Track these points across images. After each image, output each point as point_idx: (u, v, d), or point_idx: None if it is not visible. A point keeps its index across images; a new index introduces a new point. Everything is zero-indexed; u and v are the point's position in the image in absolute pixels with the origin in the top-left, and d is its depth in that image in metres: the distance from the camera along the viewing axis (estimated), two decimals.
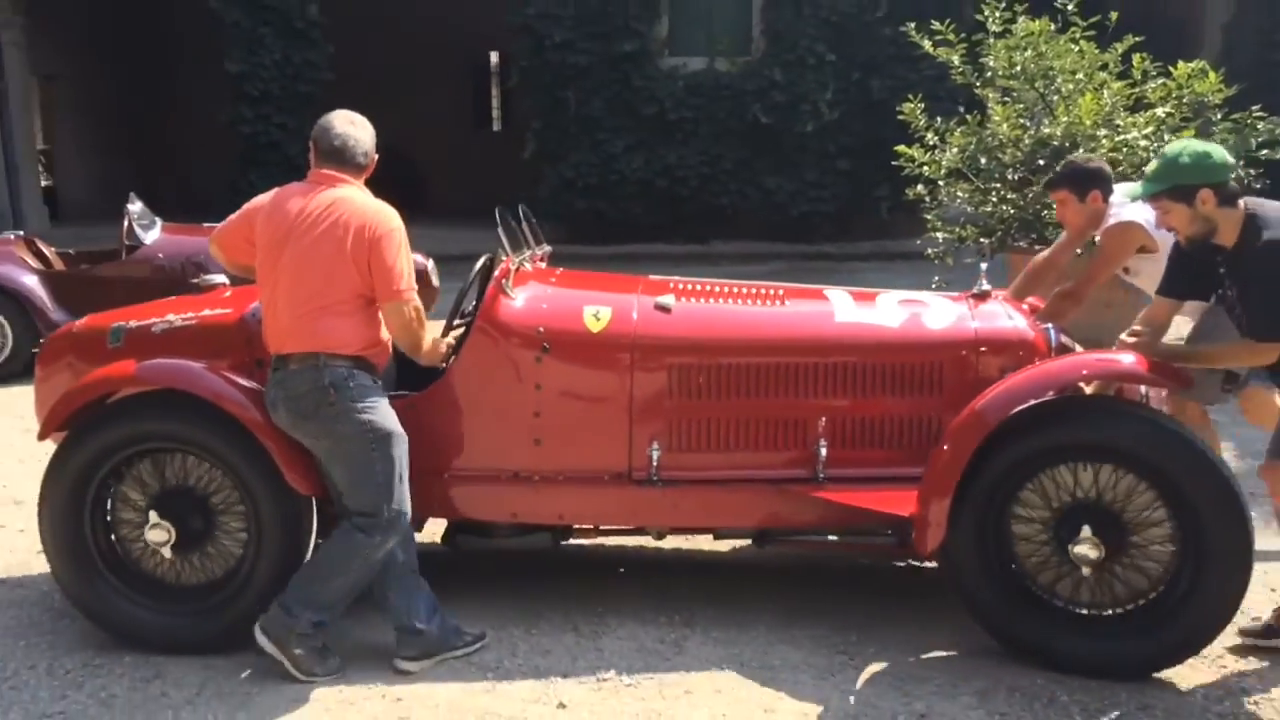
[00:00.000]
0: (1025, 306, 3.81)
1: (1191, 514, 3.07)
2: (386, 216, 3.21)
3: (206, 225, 8.44)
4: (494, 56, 20.24)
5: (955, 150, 6.98)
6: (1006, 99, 6.94)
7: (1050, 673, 3.13)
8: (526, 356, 3.49)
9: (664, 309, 3.59)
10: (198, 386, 3.28)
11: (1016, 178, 6.79)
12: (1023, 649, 3.22)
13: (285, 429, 3.20)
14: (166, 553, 3.33)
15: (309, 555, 3.33)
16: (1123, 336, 3.35)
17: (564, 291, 3.78)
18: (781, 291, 3.80)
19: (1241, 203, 3.10)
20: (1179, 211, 3.13)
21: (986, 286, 3.69)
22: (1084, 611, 3.23)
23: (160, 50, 18.27)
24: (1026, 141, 6.69)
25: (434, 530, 3.73)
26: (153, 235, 7.36)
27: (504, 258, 3.59)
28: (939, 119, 7.14)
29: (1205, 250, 3.18)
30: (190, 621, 3.36)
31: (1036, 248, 7.26)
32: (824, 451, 3.45)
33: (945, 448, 3.16)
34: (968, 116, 7.10)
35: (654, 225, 14.10)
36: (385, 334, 3.27)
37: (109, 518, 3.43)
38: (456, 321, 3.70)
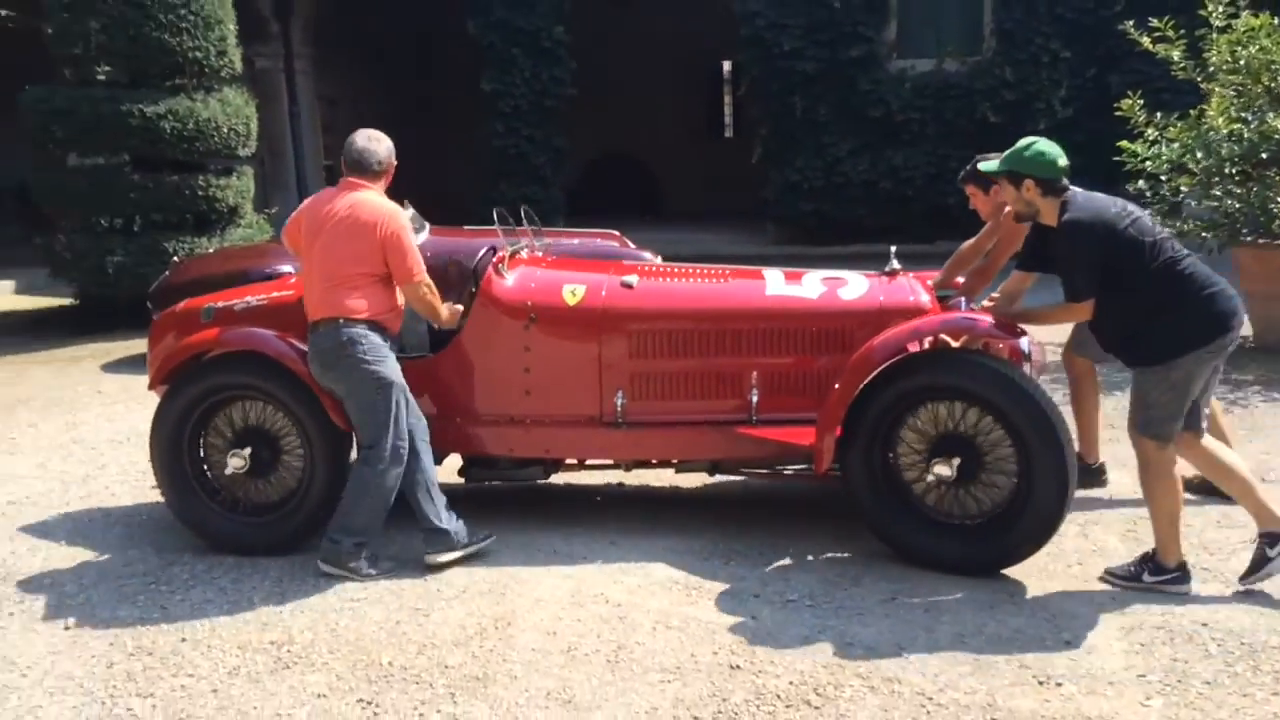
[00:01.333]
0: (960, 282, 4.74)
1: (1022, 442, 3.77)
2: (396, 215, 4.06)
3: (466, 229, 9.51)
4: (727, 65, 20.97)
5: (1175, 145, 7.00)
6: (1229, 93, 6.90)
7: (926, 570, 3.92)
8: (517, 325, 4.37)
9: (628, 286, 4.43)
10: (267, 348, 4.24)
11: (1235, 172, 6.75)
12: (901, 550, 3.99)
13: (317, 377, 4.09)
14: (243, 477, 4.30)
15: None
16: (984, 302, 4.14)
17: (549, 273, 4.61)
18: (726, 271, 4.65)
19: (1066, 194, 3.71)
20: (1009, 192, 3.83)
21: (897, 266, 4.42)
22: (951, 521, 3.96)
23: (425, 74, 20.05)
24: (1247, 136, 6.65)
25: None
26: (422, 236, 8.37)
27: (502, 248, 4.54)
28: (1159, 114, 7.17)
29: (1043, 232, 3.79)
30: (260, 530, 4.33)
31: (1261, 241, 7.18)
32: (756, 399, 4.24)
33: (836, 387, 3.96)
34: (1190, 111, 7.10)
35: (879, 227, 14.29)
36: (394, 304, 4.10)
37: (201, 450, 4.41)
38: (471, 291, 4.50)
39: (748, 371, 4.27)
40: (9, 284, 12.30)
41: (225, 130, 9.63)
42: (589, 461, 4.61)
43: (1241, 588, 3.67)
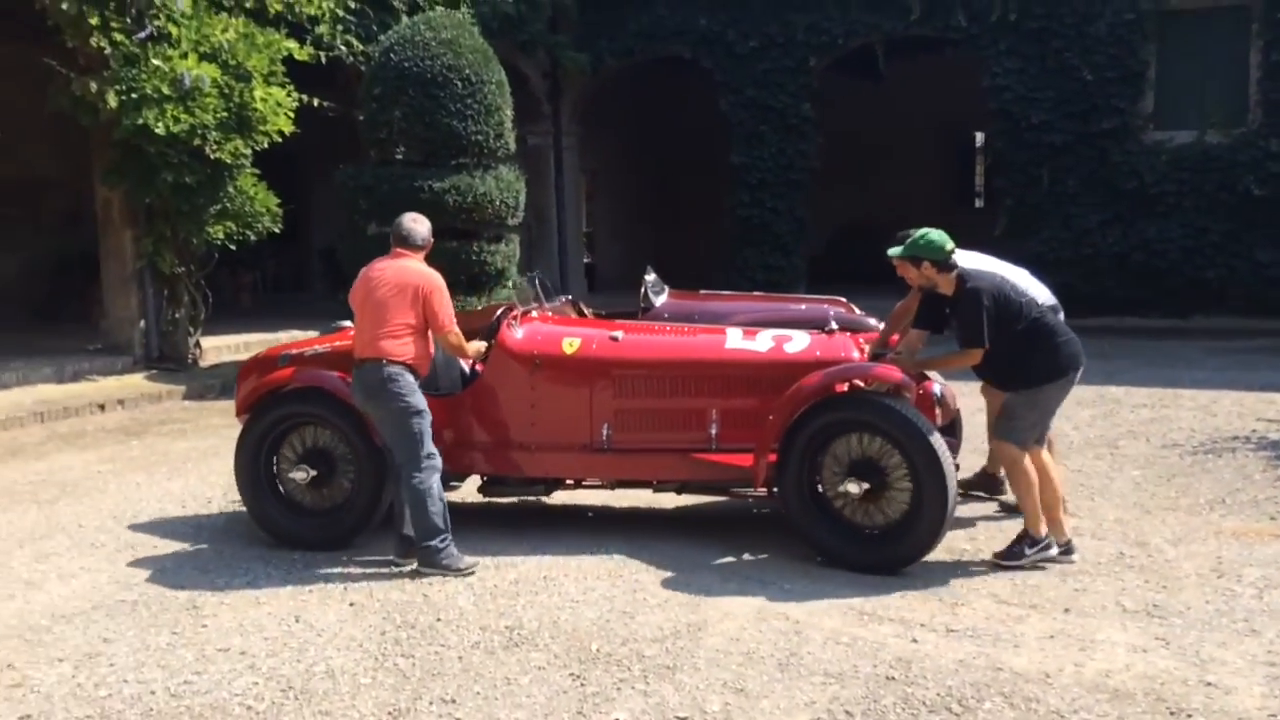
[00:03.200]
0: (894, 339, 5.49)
1: (915, 468, 4.66)
2: (434, 278, 5.00)
3: (703, 292, 10.29)
4: (980, 136, 20.98)
5: None
6: None
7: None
8: (525, 369, 5.38)
9: (615, 339, 5.45)
10: (328, 385, 5.30)
11: None
12: (824, 553, 4.89)
13: (359, 405, 5.01)
14: (305, 486, 5.33)
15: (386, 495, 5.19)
16: (890, 356, 5.15)
17: (552, 328, 5.63)
18: (695, 329, 5.86)
19: (958, 269, 4.82)
20: (911, 271, 4.94)
21: (835, 327, 5.43)
22: (864, 529, 4.86)
23: (676, 149, 21.26)
24: None
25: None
26: (661, 299, 9.19)
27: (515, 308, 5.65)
28: None
29: (938, 299, 4.91)
30: (318, 529, 5.34)
31: None
32: (716, 431, 5.21)
33: (770, 418, 4.91)
34: None
35: (1128, 299, 14.02)
36: (426, 351, 4.99)
37: (274, 465, 5.42)
38: (489, 343, 5.47)
39: (709, 409, 5.25)
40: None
41: (498, 203, 10.88)
42: (585, 481, 5.57)
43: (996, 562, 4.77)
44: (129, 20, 9.84)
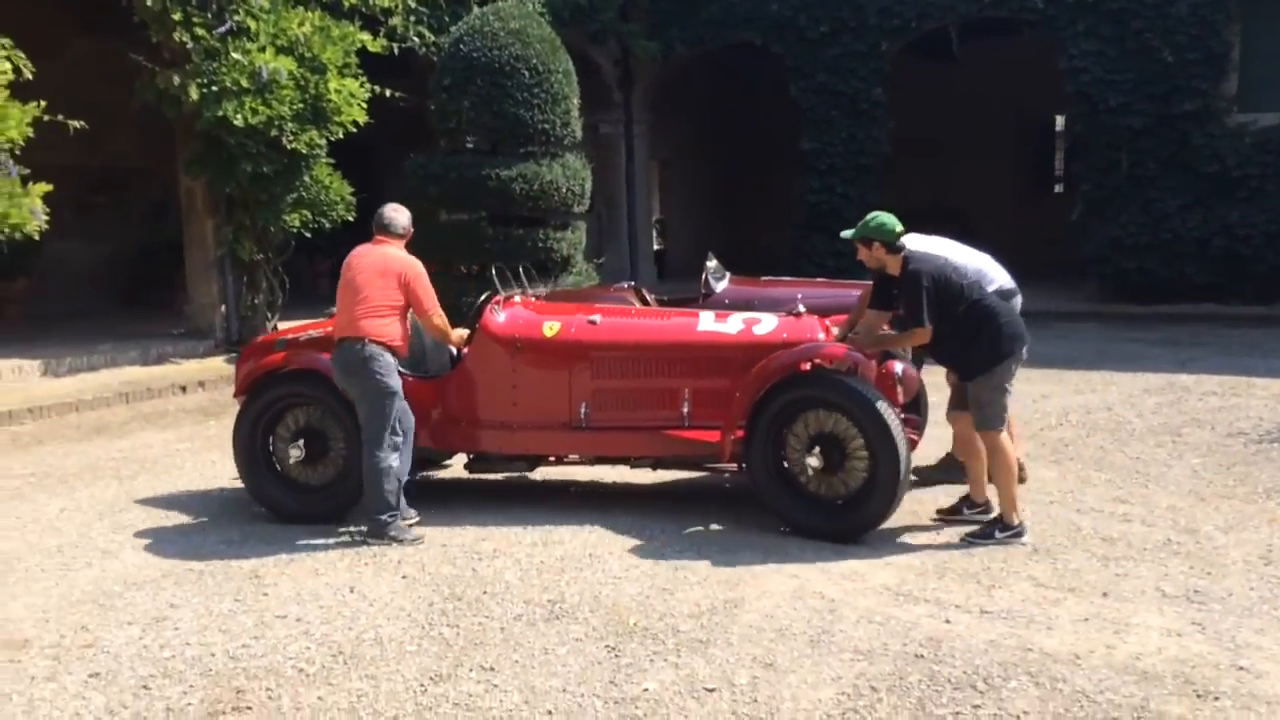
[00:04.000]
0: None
1: (871, 443, 4.90)
2: (415, 264, 5.30)
3: (764, 279, 10.31)
4: (1060, 120, 20.54)
5: None
6: None
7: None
8: (507, 351, 5.62)
9: (593, 323, 5.66)
10: (319, 367, 5.50)
11: None
12: (789, 522, 5.13)
13: (338, 381, 5.24)
14: (300, 463, 5.57)
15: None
16: (850, 336, 5.39)
17: (532, 313, 5.82)
18: (668, 312, 6.21)
19: (904, 251, 5.04)
20: (864, 251, 5.14)
21: (802, 310, 5.56)
22: (826, 499, 5.10)
23: (747, 136, 21.22)
24: None
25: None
26: (722, 285, 9.27)
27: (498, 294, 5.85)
28: None
29: (889, 280, 5.11)
30: (312, 504, 5.59)
31: None
32: (688, 409, 5.43)
33: (737, 395, 5.16)
34: None
35: (1208, 285, 13.66)
36: (405, 333, 5.26)
37: (270, 443, 5.67)
38: (473, 326, 5.75)
39: (682, 389, 5.46)
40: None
41: (564, 190, 11.04)
42: (567, 458, 5.79)
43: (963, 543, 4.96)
44: (210, 15, 10.22)
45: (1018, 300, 5.80)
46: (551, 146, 11.28)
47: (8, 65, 8.25)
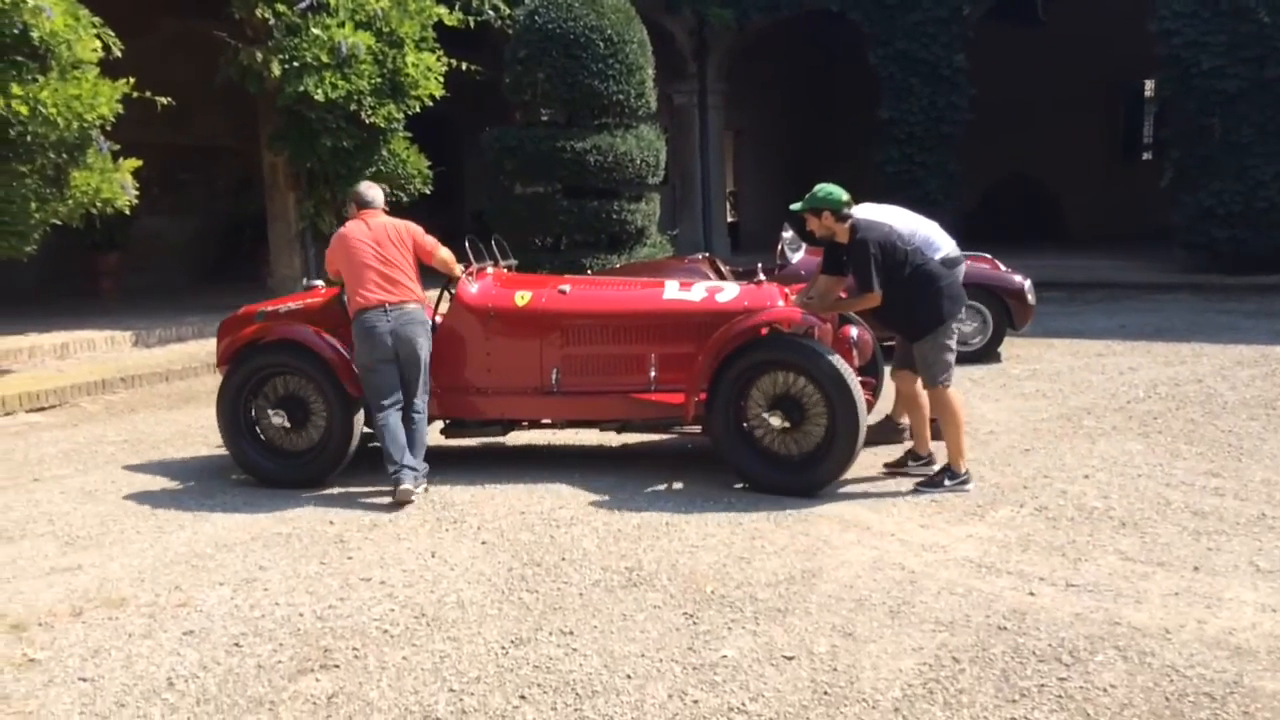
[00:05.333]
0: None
1: (830, 402, 5.18)
2: (410, 224, 5.69)
3: None
4: (1149, 85, 19.89)
5: None
6: None
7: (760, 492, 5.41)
8: (481, 320, 5.84)
9: (563, 292, 5.88)
10: (300, 337, 5.71)
11: None
12: (748, 479, 5.41)
13: (376, 349, 5.42)
14: (282, 431, 5.73)
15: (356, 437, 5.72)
16: (804, 301, 5.63)
17: (505, 285, 6.05)
18: (637, 281, 6.34)
19: (852, 220, 5.36)
20: (814, 221, 5.44)
21: (762, 278, 5.90)
22: (784, 457, 5.35)
23: (823, 105, 20.93)
24: None
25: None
26: (797, 256, 9.20)
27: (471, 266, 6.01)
28: None
29: (838, 248, 5.47)
30: (293, 469, 5.76)
31: None
32: (655, 374, 5.67)
33: (700, 359, 5.42)
34: None
35: None
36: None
37: (252, 410, 5.83)
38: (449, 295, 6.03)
39: (649, 354, 5.70)
40: None
41: (638, 162, 11.03)
42: (540, 421, 6.02)
43: (916, 492, 5.29)
44: None
45: (962, 268, 6.25)
46: (626, 118, 11.27)
47: (98, 44, 8.47)
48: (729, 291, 5.81)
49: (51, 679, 3.58)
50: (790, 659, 3.55)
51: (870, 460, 5.85)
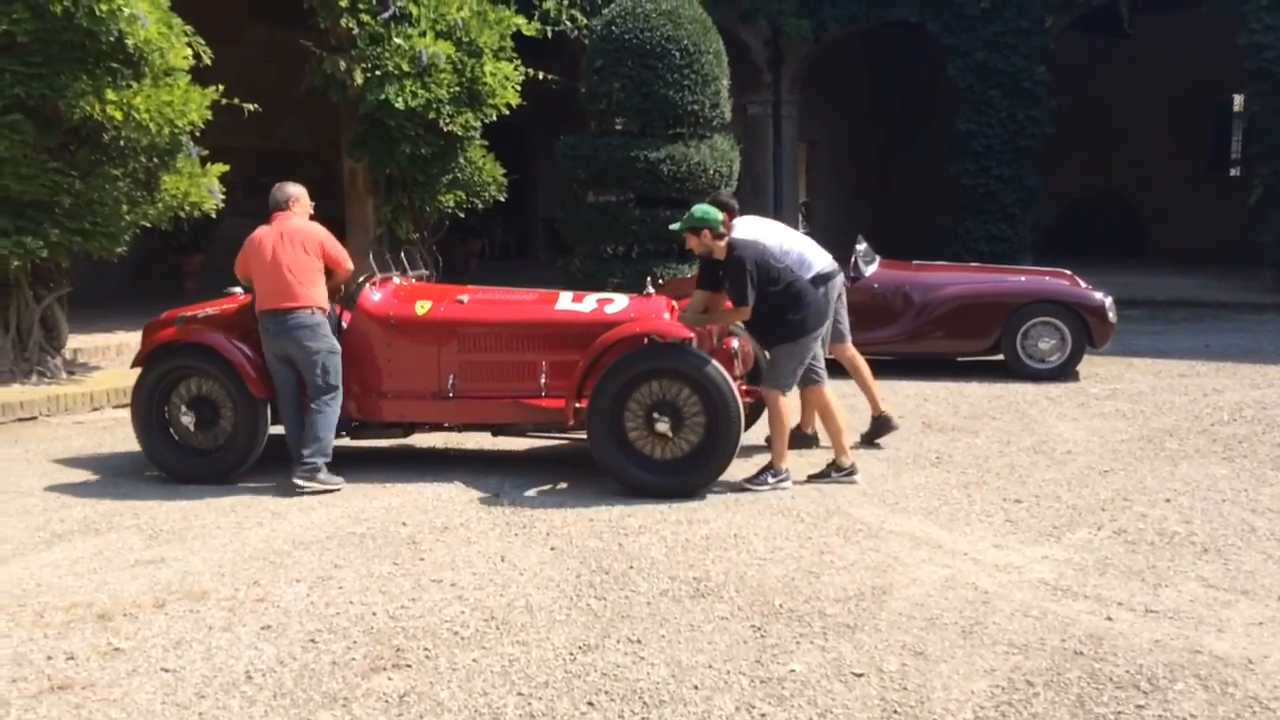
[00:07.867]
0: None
1: (710, 406, 5.48)
2: (321, 229, 5.94)
3: (915, 263, 10.08)
4: (1238, 100, 19.37)
5: None
6: None
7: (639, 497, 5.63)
8: (382, 328, 6.11)
9: (461, 302, 6.15)
10: (211, 342, 5.98)
11: None
12: (625, 483, 5.61)
13: (277, 351, 5.79)
14: (192, 429, 6.00)
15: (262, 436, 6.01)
16: (681, 316, 5.88)
17: (407, 294, 6.28)
18: (531, 293, 6.51)
19: (729, 238, 5.68)
20: (693, 239, 5.72)
21: (651, 291, 6.27)
22: (661, 460, 5.61)
23: (898, 117, 20.72)
24: None
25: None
26: (871, 269, 9.13)
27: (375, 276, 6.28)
28: None
29: (714, 264, 5.75)
30: (203, 465, 6.02)
31: None
32: (545, 381, 5.94)
33: (579, 364, 5.69)
34: None
35: None
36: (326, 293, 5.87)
37: (165, 409, 6.09)
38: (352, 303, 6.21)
39: (540, 362, 5.97)
40: None
41: (711, 172, 11.03)
42: (432, 425, 6.25)
43: (809, 481, 5.78)
44: (374, 1, 10.56)
45: (839, 279, 6.49)
46: (700, 128, 11.28)
47: (189, 51, 8.72)
48: (618, 303, 6.13)
49: (135, 668, 3.69)
50: (859, 676, 3.52)
51: (929, 477, 5.78)
